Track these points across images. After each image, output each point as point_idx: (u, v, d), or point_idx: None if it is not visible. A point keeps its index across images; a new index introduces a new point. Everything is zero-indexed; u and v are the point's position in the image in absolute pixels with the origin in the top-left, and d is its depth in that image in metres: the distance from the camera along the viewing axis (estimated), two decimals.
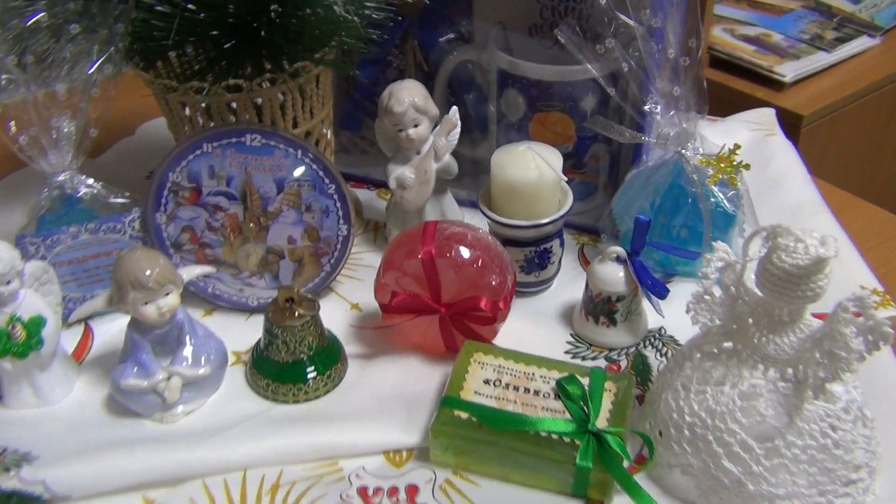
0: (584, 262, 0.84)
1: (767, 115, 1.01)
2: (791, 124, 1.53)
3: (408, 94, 0.77)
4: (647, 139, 0.74)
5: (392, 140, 0.80)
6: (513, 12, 0.85)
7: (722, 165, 0.71)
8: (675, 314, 0.72)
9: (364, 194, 0.95)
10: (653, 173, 0.76)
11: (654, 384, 0.65)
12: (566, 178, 0.73)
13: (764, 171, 0.90)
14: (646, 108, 0.73)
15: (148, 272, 0.62)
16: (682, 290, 0.77)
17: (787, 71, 1.46)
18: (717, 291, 0.59)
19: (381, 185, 0.96)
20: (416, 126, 0.78)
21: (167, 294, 0.64)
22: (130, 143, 1.06)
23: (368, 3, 0.68)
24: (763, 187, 0.87)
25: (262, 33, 0.63)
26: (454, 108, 0.81)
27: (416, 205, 0.80)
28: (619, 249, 0.70)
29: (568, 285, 0.80)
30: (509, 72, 0.81)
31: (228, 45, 0.64)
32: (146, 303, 0.63)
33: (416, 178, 0.79)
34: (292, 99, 0.74)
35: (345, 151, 1.00)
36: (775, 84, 1.45)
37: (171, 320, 0.65)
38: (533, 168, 0.71)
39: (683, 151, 0.72)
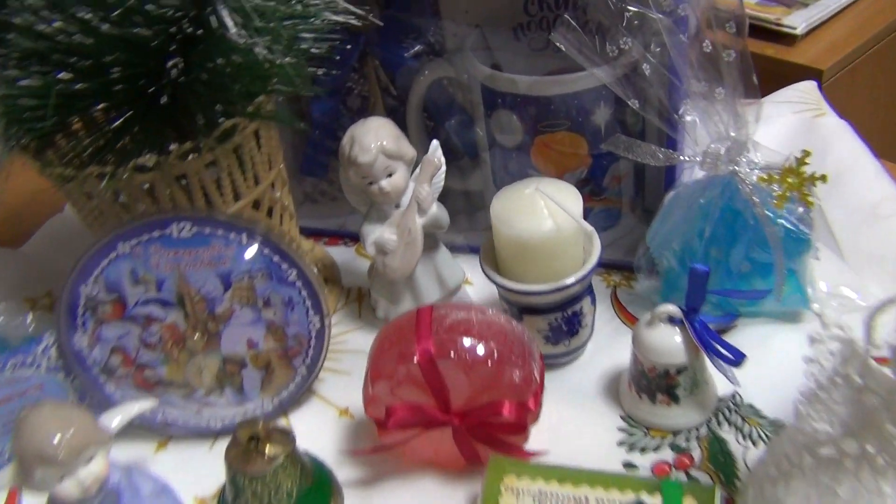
0: (620, 309, 0.67)
1: (809, 89, 0.84)
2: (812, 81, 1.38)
3: (374, 138, 0.60)
4: (688, 158, 0.58)
5: (363, 194, 0.64)
6: (491, 11, 0.68)
7: (790, 181, 0.55)
8: (749, 373, 0.56)
9: (341, 253, 0.78)
10: (696, 195, 0.60)
11: (747, 491, 0.49)
12: (590, 227, 0.57)
13: (821, 163, 0.74)
14: (679, 115, 0.57)
15: (56, 439, 0.46)
16: (751, 337, 0.61)
17: (797, 22, 1.31)
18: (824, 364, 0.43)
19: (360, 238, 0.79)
20: (389, 176, 0.62)
21: (89, 460, 0.48)
22: (63, 222, 0.89)
23: (304, 35, 0.52)
24: (822, 185, 0.70)
25: (164, 99, 0.47)
26: (434, 143, 0.64)
27: (403, 273, 0.64)
28: (671, 309, 0.54)
29: (605, 346, 0.64)
30: (496, 89, 0.64)
31: (119, 121, 0.47)
32: (62, 478, 0.47)
33: (400, 240, 0.63)
34: (227, 166, 0.58)
35: (311, 201, 0.83)
36: (786, 38, 1.30)
37: (101, 491, 0.49)
38: (546, 217, 0.55)
39: (737, 169, 0.56)
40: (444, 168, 0.65)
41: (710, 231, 0.59)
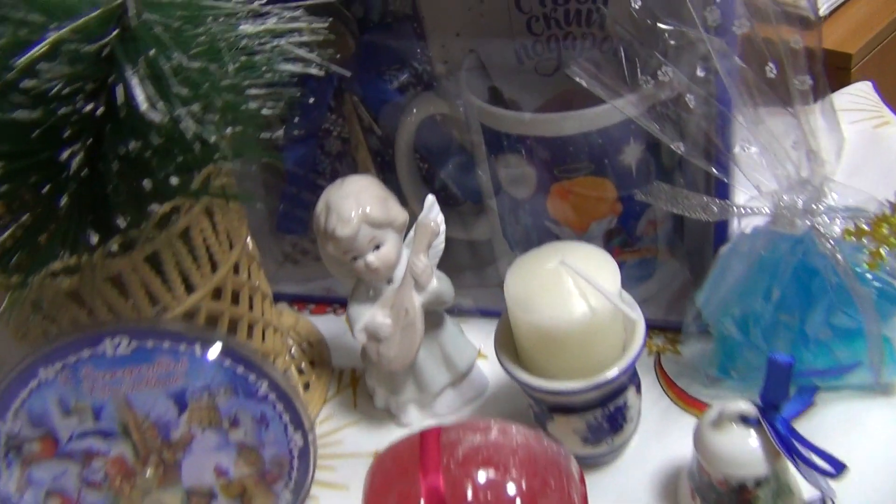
0: (667, 382, 0.56)
1: (865, 92, 0.72)
2: (840, 67, 1.26)
3: (354, 205, 0.49)
4: (752, 210, 0.46)
5: (346, 268, 0.52)
6: (486, 31, 0.57)
7: (885, 232, 0.43)
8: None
9: (329, 324, 0.67)
10: (756, 247, 0.48)
11: None
12: (633, 314, 0.45)
13: (885, 179, 0.62)
14: (734, 154, 0.45)
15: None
16: (836, 418, 0.50)
17: (819, 2, 1.18)
18: None
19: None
20: (377, 248, 0.50)
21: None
22: None
23: (254, 91, 0.40)
24: None
25: (64, 200, 0.35)
26: (430, 200, 0.53)
27: (401, 363, 0.52)
28: (743, 407, 0.42)
29: (654, 433, 0.52)
30: (499, 129, 0.52)
31: (10, 229, 0.36)
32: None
33: (395, 324, 0.51)
34: (174, 256, 0.46)
35: (292, 262, 0.72)
36: (805, 23, 1.18)
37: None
38: (576, 299, 0.43)
39: (816, 222, 0.44)
40: (443, 230, 0.53)
41: (779, 293, 0.47)
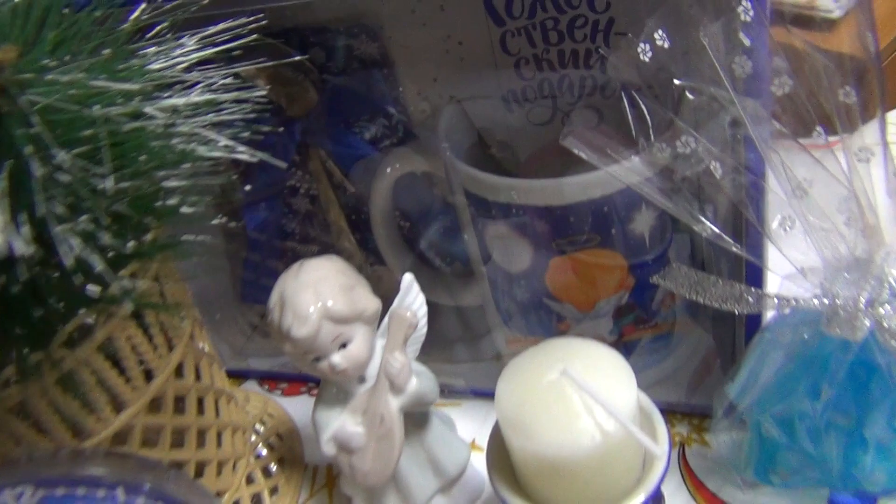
0: (694, 482, 0.47)
1: None
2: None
3: (313, 298, 0.41)
4: (798, 301, 0.37)
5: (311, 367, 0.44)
6: (469, 76, 0.49)
7: None
8: None
9: (303, 407, 0.59)
10: (801, 339, 0.39)
11: None
12: (655, 448, 0.37)
13: None
14: (773, 228, 0.36)
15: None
16: None
17: (833, 3, 1.12)
18: None
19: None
20: (343, 346, 0.42)
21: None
22: None
23: (174, 184, 0.32)
24: None
25: None
26: (406, 281, 0.45)
27: (377, 478, 0.44)
28: None
29: None
30: (488, 199, 0.44)
31: None
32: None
33: (369, 433, 0.43)
34: (95, 374, 0.38)
35: (262, 334, 0.64)
36: (821, 24, 1.09)
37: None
38: (584, 422, 0.35)
39: (878, 315, 0.35)
40: (424, 320, 0.45)
41: (831, 393, 0.39)
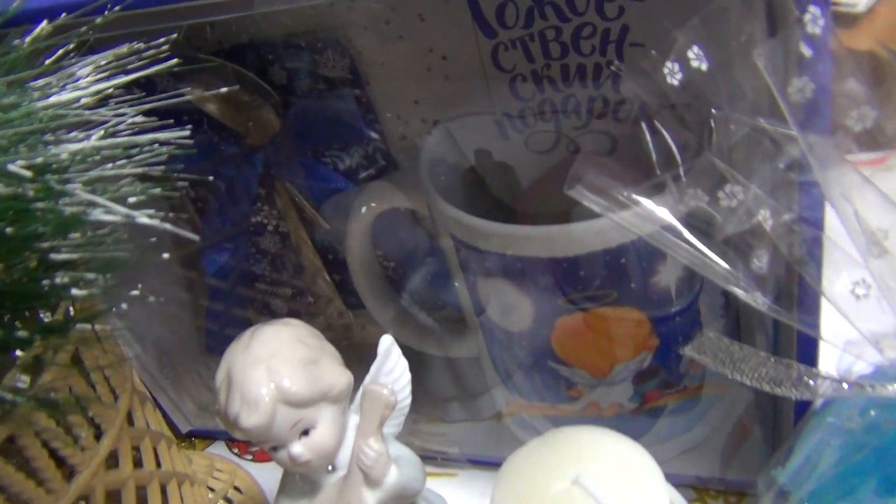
0: None
1: None
2: None
3: (266, 378, 0.33)
4: (871, 385, 0.30)
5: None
6: (457, 97, 0.41)
7: None
8: None
9: (275, 476, 0.51)
10: (872, 426, 0.32)
11: None
12: None
13: None
14: (836, 291, 0.29)
15: None
16: None
17: None
18: None
19: None
20: (306, 433, 0.34)
21: None
22: None
23: (62, 256, 0.25)
24: None
25: None
26: (384, 343, 0.37)
27: None
28: None
29: None
30: (480, 247, 0.37)
31: None
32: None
33: None
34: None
35: None
36: (844, 19, 1.02)
37: None
38: None
39: None
40: (406, 401, 0.38)
41: None
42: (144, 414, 0.41)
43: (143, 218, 0.23)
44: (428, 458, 0.48)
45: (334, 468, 0.36)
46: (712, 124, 0.27)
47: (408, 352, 0.50)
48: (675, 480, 0.34)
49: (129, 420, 0.38)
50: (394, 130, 0.44)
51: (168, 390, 0.54)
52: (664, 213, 0.27)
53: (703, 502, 0.43)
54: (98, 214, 0.24)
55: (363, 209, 0.42)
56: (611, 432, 0.30)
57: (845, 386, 0.29)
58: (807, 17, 0.22)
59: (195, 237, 0.25)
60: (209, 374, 0.56)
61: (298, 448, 0.34)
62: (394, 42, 0.40)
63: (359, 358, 0.54)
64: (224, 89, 0.41)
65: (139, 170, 0.27)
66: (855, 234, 0.27)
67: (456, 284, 0.43)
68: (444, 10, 0.38)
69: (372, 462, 0.35)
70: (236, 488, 0.49)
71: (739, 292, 0.27)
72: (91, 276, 0.24)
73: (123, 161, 0.27)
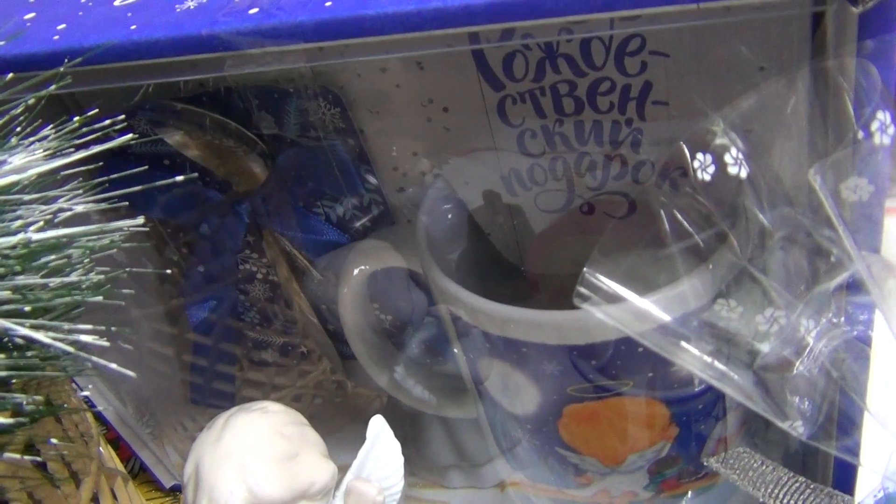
0: None
1: None
2: None
3: (237, 476, 0.29)
4: None
5: None
6: (458, 150, 0.37)
7: None
8: None
9: None
10: None
11: None
12: None
13: None
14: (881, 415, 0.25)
15: None
16: None
17: None
18: None
19: None
20: None
21: None
22: None
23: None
24: None
25: None
26: (374, 427, 0.34)
27: None
28: None
29: None
30: (477, 326, 0.33)
31: None
32: None
33: None
34: None
35: None
36: None
37: None
38: None
39: None
40: (399, 474, 0.34)
41: None
42: (116, 491, 0.37)
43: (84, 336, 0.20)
44: None
45: None
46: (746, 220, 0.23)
47: (405, 412, 0.47)
48: None
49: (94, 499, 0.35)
50: (390, 182, 0.40)
51: (150, 444, 0.51)
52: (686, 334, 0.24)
53: None
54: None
55: (354, 272, 0.39)
56: None
57: None
58: (874, 126, 0.18)
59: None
60: (194, 426, 0.53)
61: None
62: (390, 91, 0.36)
63: (352, 416, 0.50)
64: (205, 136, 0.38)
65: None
66: None
67: (456, 352, 0.40)
68: (446, 59, 0.34)
69: None
70: None
71: (782, 421, 0.23)
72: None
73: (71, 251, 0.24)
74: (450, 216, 0.39)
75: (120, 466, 0.40)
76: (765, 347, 0.22)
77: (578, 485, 0.37)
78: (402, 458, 0.35)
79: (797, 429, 0.23)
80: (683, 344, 0.23)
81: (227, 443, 0.31)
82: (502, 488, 0.45)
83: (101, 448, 0.38)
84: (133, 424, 0.50)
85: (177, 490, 0.53)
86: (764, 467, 0.26)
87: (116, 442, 0.50)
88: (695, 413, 0.34)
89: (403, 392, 0.44)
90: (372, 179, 0.40)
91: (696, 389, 0.33)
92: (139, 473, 0.53)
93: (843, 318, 0.22)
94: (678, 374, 0.32)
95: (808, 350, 0.22)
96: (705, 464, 0.28)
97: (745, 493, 0.40)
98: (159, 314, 0.45)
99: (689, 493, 0.37)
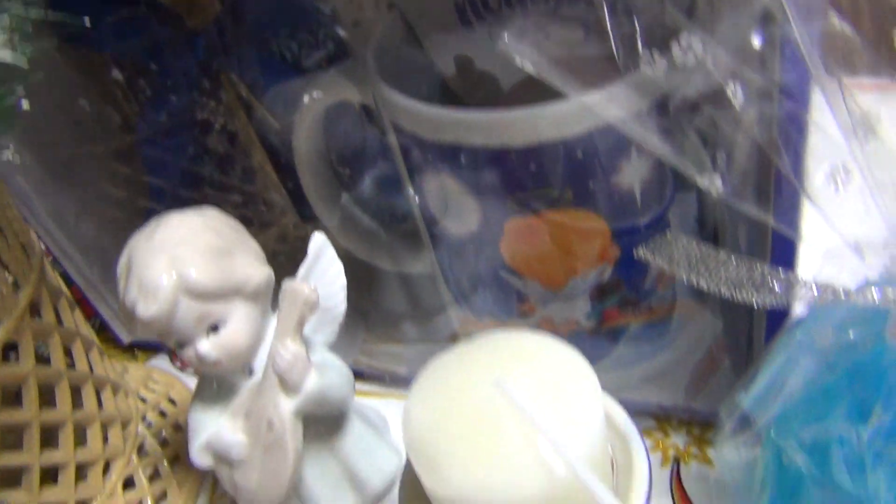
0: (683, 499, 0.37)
1: None
2: None
3: (167, 266, 0.29)
4: (845, 292, 0.26)
5: None
6: None
7: None
8: None
9: None
10: (846, 345, 0.28)
11: None
12: (610, 496, 0.26)
13: None
14: (815, 184, 0.25)
15: None
16: None
17: None
18: None
19: None
20: (214, 330, 0.31)
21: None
22: None
23: None
24: None
25: None
26: (317, 242, 0.34)
27: (267, 498, 0.33)
28: None
29: None
30: (423, 137, 0.33)
31: None
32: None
33: (254, 442, 0.32)
34: None
35: None
36: None
37: None
38: (521, 458, 0.24)
39: None
40: (341, 295, 0.34)
41: (887, 418, 0.27)
42: (60, 312, 0.37)
43: None
44: (375, 377, 0.45)
45: (252, 372, 0.33)
46: None
47: (361, 267, 0.47)
48: (634, 407, 0.30)
49: (35, 312, 0.35)
50: (347, 15, 0.39)
51: (109, 300, 0.51)
52: (625, 92, 0.23)
53: (663, 432, 0.39)
54: None
55: (310, 100, 0.38)
56: (544, 336, 0.27)
57: (812, 288, 0.25)
58: None
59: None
60: None
61: (206, 346, 0.31)
62: None
63: None
64: None
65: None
66: (839, 113, 0.23)
67: (409, 191, 0.39)
68: None
69: (287, 365, 0.31)
70: (171, 400, 0.46)
71: (701, 180, 0.23)
72: None
73: None
74: (404, 53, 0.38)
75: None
76: (680, 84, 0.21)
77: (521, 313, 0.37)
78: (344, 279, 0.35)
79: (716, 185, 0.23)
80: (619, 106, 0.23)
81: (161, 236, 0.31)
82: (454, 340, 0.46)
83: (46, 267, 0.38)
84: (95, 280, 0.50)
85: (135, 346, 0.53)
86: (692, 248, 0.26)
87: (81, 303, 0.50)
88: (637, 234, 0.34)
89: (354, 239, 0.44)
90: (328, 10, 0.39)
91: (640, 207, 0.33)
92: (99, 332, 0.53)
93: (773, 69, 0.22)
94: (619, 188, 0.32)
95: (727, 100, 0.22)
96: (641, 256, 0.28)
97: (688, 337, 0.40)
98: (112, 153, 0.45)
99: (631, 327, 0.37)
